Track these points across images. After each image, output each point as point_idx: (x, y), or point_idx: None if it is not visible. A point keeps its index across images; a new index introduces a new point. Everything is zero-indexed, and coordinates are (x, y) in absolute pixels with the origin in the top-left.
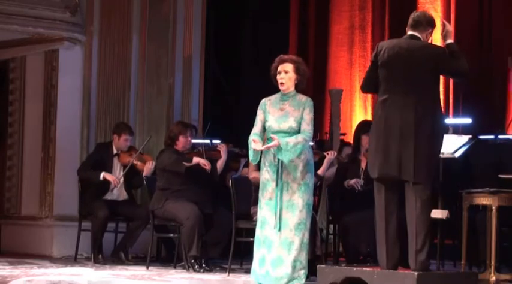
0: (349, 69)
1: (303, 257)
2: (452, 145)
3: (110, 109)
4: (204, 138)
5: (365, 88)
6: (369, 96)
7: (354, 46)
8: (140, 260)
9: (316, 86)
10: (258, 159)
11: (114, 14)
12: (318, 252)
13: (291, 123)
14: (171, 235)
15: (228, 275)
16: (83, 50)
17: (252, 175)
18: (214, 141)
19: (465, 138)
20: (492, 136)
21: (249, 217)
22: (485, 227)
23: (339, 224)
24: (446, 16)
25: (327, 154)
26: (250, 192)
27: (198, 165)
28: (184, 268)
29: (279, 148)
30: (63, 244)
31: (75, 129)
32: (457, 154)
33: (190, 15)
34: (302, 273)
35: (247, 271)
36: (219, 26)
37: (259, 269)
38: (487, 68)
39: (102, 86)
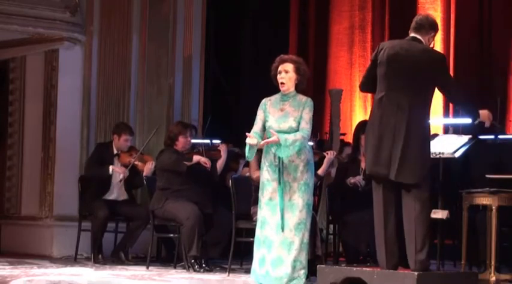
0: (349, 69)
1: (303, 257)
2: (452, 145)
3: (110, 109)
4: (204, 137)
5: (363, 87)
6: (369, 96)
7: (354, 46)
8: (140, 260)
9: (316, 86)
10: (253, 156)
11: (114, 14)
12: (318, 252)
13: (291, 123)
14: (171, 235)
15: (228, 275)
16: (83, 50)
17: (255, 174)
18: (214, 141)
19: (465, 138)
20: (492, 136)
21: (249, 217)
22: (485, 227)
23: (339, 224)
24: (446, 16)
25: (327, 154)
26: (250, 192)
27: (198, 163)
28: (184, 268)
29: (277, 144)
30: (63, 244)
31: (75, 129)
32: (457, 154)
33: (190, 15)
34: (302, 273)
35: (247, 271)
36: (219, 26)
37: (259, 269)
38: (487, 68)
39: (102, 86)
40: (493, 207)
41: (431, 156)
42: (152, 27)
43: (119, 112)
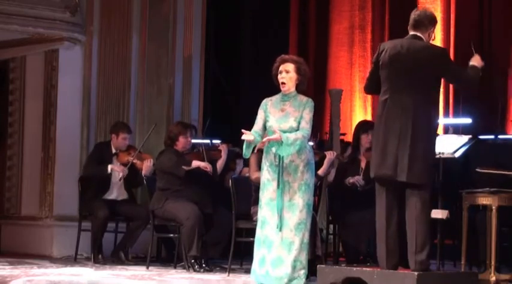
0: (349, 69)
1: (303, 257)
2: (452, 145)
3: (110, 109)
4: (204, 137)
5: (367, 90)
6: (369, 96)
7: (354, 46)
8: (140, 260)
9: (316, 86)
10: (250, 153)
11: (114, 14)
12: (318, 252)
13: (291, 123)
14: (171, 235)
15: (228, 275)
16: (83, 50)
17: (254, 175)
18: (214, 141)
19: (465, 138)
20: (492, 136)
21: (249, 217)
22: (485, 227)
23: (339, 224)
24: (446, 16)
25: (327, 154)
26: (250, 192)
27: (198, 167)
28: (184, 268)
29: (278, 143)
30: (63, 244)
31: (75, 129)
32: (457, 154)
33: (190, 15)
34: (302, 273)
35: (247, 271)
36: (219, 26)
37: (259, 269)
38: (487, 68)
39: (102, 86)
40: (493, 207)
41: None
42: (152, 27)
43: (119, 112)
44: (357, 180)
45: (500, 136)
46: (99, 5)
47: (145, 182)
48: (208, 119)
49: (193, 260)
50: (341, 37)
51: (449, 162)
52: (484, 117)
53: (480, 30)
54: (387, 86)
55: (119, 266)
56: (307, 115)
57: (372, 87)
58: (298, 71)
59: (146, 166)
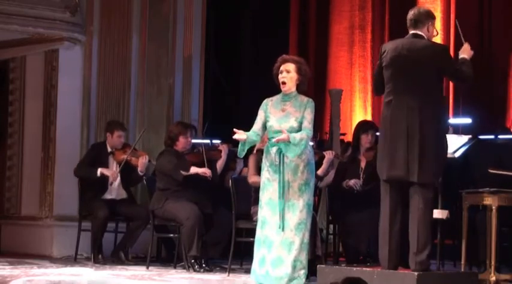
0: (349, 69)
1: (303, 257)
2: (452, 145)
3: (110, 109)
4: (204, 138)
5: (377, 92)
6: (369, 96)
7: (354, 46)
8: (140, 260)
9: (316, 86)
10: (245, 152)
11: (114, 14)
12: (318, 252)
13: (292, 123)
14: (171, 235)
15: (228, 275)
16: (83, 50)
17: (252, 179)
18: (214, 141)
19: (465, 138)
20: (492, 136)
21: (249, 217)
22: (485, 227)
23: (339, 224)
24: (446, 16)
25: (326, 154)
26: (250, 192)
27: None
28: (184, 268)
29: (286, 143)
30: (63, 244)
31: (75, 129)
32: (457, 154)
33: (190, 15)
34: (302, 273)
35: (247, 271)
36: (219, 26)
37: (259, 269)
38: (487, 68)
39: (102, 86)
40: (493, 207)
41: None
42: (152, 27)
43: (119, 112)
44: (355, 183)
45: (500, 136)
46: (99, 5)
47: (145, 182)
48: (207, 121)
49: (193, 260)
50: (341, 37)
51: (449, 162)
52: (484, 117)
53: (480, 30)
54: (391, 87)
55: (119, 266)
56: (309, 115)
57: (379, 88)
58: (299, 71)
59: (141, 162)
